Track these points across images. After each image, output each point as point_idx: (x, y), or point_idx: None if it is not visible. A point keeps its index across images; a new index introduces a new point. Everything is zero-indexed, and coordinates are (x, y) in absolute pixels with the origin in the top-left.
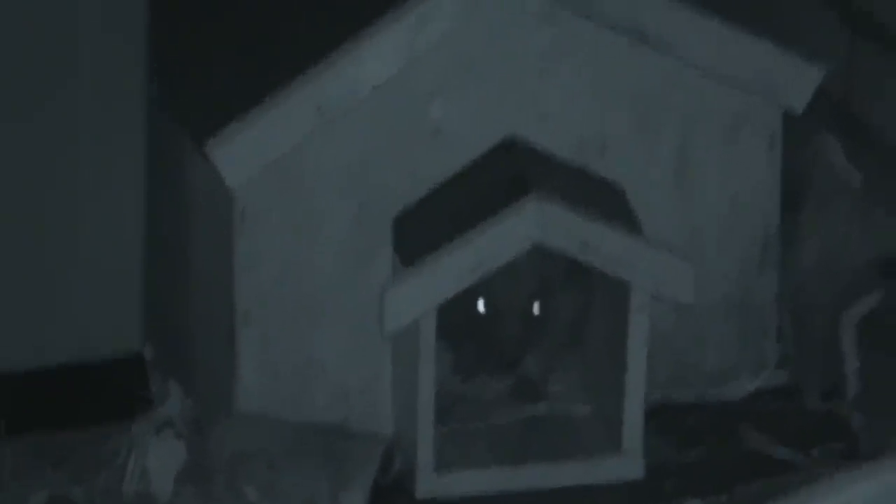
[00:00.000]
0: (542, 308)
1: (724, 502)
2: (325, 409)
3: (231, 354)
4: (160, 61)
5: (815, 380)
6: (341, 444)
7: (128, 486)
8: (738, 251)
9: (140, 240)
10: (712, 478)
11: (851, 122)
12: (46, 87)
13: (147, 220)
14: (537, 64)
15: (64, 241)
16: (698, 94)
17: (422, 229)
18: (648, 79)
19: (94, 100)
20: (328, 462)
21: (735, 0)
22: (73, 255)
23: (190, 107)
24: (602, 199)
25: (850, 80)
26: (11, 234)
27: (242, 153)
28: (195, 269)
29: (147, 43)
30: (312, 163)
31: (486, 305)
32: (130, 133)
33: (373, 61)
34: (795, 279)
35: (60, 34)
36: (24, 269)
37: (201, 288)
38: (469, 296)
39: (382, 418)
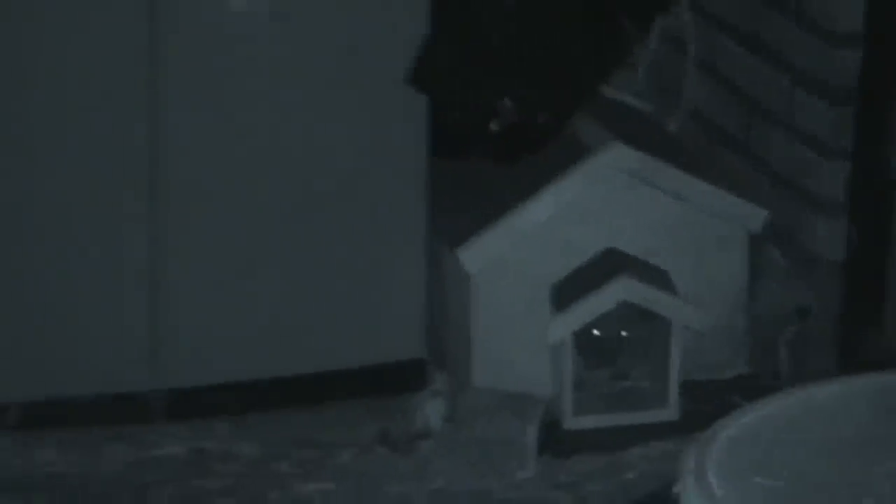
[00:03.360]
0: (628, 334)
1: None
2: (517, 386)
3: (469, 358)
4: (434, 200)
5: (767, 371)
6: (525, 402)
7: (418, 423)
8: (726, 305)
9: (423, 296)
10: (714, 420)
11: (785, 239)
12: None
13: (427, 286)
14: (622, 211)
15: (386, 295)
16: (704, 226)
17: (566, 293)
18: (678, 218)
19: (396, 226)
20: (518, 411)
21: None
22: (390, 302)
23: (449, 228)
24: (656, 277)
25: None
26: (349, 285)
27: (476, 255)
28: (449, 313)
29: (428, 189)
30: (510, 260)
31: (598, 332)
32: (416, 239)
33: (540, 209)
34: (754, 318)
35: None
36: (361, 303)
37: (453, 324)
38: (589, 326)
39: (546, 390)
